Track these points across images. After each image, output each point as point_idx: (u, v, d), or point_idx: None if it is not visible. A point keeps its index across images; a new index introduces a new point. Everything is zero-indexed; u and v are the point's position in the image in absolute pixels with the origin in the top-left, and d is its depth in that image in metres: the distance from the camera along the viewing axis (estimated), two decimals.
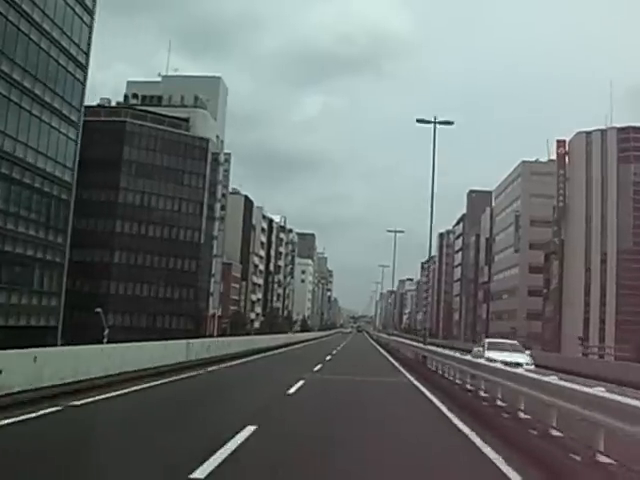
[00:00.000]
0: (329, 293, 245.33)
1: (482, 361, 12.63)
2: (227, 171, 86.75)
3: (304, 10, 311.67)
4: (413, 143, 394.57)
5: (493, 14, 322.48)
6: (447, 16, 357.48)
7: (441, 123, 27.38)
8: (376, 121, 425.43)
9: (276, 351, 35.42)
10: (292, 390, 14.23)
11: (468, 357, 14.97)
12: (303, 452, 7.71)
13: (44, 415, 9.10)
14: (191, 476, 5.90)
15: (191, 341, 19.94)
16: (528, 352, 21.01)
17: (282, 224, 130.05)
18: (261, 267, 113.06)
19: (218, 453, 6.87)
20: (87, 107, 66.33)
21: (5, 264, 38.19)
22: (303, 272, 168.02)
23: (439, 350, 20.74)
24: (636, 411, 5.77)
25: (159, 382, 14.24)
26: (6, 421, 8.40)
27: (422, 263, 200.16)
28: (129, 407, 10.97)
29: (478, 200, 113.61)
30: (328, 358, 30.18)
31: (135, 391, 12.47)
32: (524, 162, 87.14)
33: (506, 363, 12.30)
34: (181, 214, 74.49)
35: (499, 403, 10.96)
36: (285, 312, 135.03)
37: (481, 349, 20.53)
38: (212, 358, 21.59)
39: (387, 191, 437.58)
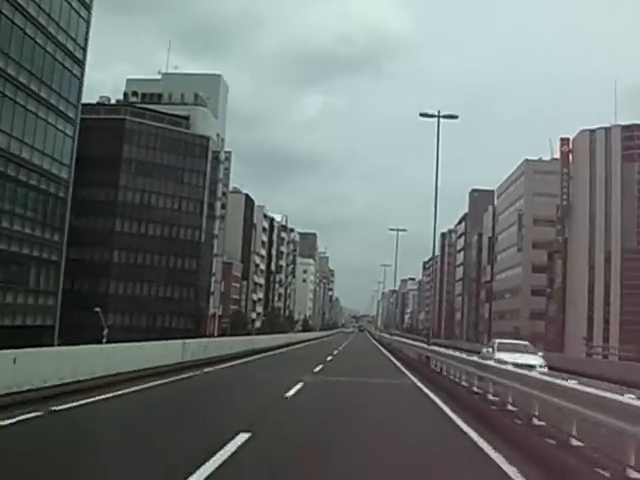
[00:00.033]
0: (331, 293, 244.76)
1: (492, 363, 11.85)
2: (227, 169, 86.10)
3: (304, 10, 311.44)
4: (413, 143, 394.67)
5: (493, 14, 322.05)
6: (447, 16, 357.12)
7: (445, 117, 26.69)
8: (376, 121, 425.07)
9: (276, 351, 34.81)
10: (290, 393, 13.57)
11: (475, 358, 14.22)
12: (300, 461, 7.10)
13: (21, 421, 8.47)
14: None
15: (187, 341, 19.26)
16: (540, 353, 20.06)
17: (283, 223, 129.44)
18: (262, 266, 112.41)
19: (203, 468, 6.21)
20: (86, 105, 65.90)
21: (0, 262, 37.56)
22: (305, 272, 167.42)
23: (443, 350, 19.92)
24: None
25: (145, 386, 13.38)
26: None
27: (424, 262, 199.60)
28: (108, 414, 10.24)
29: (480, 199, 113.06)
30: (329, 359, 29.59)
31: (118, 396, 11.69)
32: (527, 161, 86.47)
33: (518, 365, 11.55)
34: (181, 213, 73.82)
35: (510, 408, 10.29)
36: (286, 312, 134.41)
37: (490, 350, 19.55)
38: (209, 359, 20.95)
39: (387, 191, 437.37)
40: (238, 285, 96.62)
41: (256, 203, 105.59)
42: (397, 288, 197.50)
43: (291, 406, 12.06)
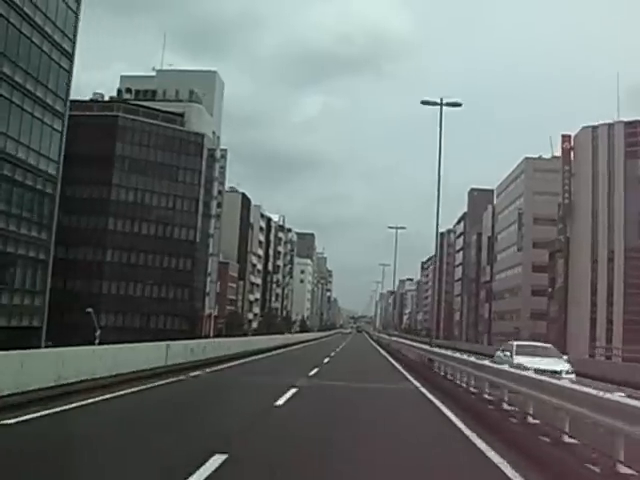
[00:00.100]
0: (329, 293, 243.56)
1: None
2: (223, 168, 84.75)
3: (304, 10, 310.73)
4: (413, 143, 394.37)
5: (493, 14, 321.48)
6: (447, 16, 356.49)
7: (448, 105, 25.35)
8: (376, 121, 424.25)
9: (271, 353, 33.61)
10: (281, 401, 12.19)
11: (486, 362, 12.78)
12: None
13: None
14: None
15: (171, 343, 17.88)
16: (565, 357, 17.83)
17: (281, 223, 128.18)
18: (259, 266, 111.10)
19: None
20: (79, 102, 64.83)
21: None
22: (302, 272, 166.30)
23: (449, 353, 18.29)
24: None
25: (116, 394, 11.88)
26: None
27: (422, 263, 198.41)
28: (68, 428, 8.89)
29: (479, 199, 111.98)
30: (326, 361, 28.40)
31: (83, 406, 10.31)
32: (527, 159, 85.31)
33: (541, 371, 10.11)
34: (176, 211, 72.49)
35: (530, 420, 8.92)
36: (284, 312, 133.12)
37: (508, 353, 17.37)
38: (196, 362, 19.62)
39: (387, 191, 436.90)
40: (235, 285, 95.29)
41: (254, 203, 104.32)
42: (395, 289, 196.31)
43: (280, 417, 10.66)
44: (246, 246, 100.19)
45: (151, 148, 70.89)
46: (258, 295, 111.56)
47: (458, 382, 15.17)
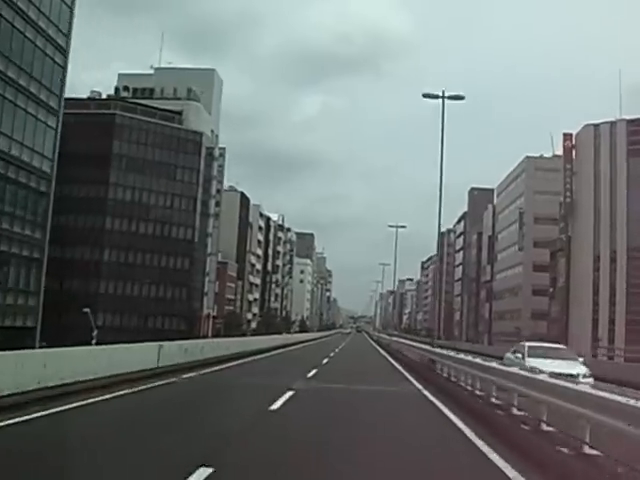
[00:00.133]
0: (328, 293, 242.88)
1: (522, 371, 9.65)
2: (222, 166, 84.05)
3: (303, 9, 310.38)
4: (412, 143, 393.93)
5: (492, 15, 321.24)
6: (446, 17, 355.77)
7: (450, 98, 24.66)
8: (375, 121, 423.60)
9: (270, 353, 32.99)
10: (276, 405, 11.51)
11: (494, 364, 12.06)
12: None
13: None
14: None
15: (164, 344, 17.20)
16: (581, 359, 16.90)
17: (280, 223, 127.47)
18: (258, 266, 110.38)
19: None
20: (76, 100, 64.21)
21: None
22: (302, 272, 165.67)
23: (453, 354, 17.50)
24: None
25: (93, 400, 10.98)
26: None
27: (422, 263, 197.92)
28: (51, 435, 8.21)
29: (480, 198, 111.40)
30: (325, 361, 27.79)
31: (59, 412, 9.65)
32: (528, 157, 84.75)
33: (555, 375, 9.38)
34: (173, 210, 71.80)
35: (545, 428, 8.24)
36: (283, 312, 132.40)
37: (519, 355, 16.28)
38: (191, 362, 18.98)
39: (386, 191, 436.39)
40: (233, 285, 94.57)
41: (253, 202, 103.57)
42: (395, 288, 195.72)
43: (275, 423, 9.97)
44: (245, 246, 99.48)
45: (149, 146, 70.22)
46: (257, 295, 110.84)
47: (462, 384, 14.48)
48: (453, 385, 15.18)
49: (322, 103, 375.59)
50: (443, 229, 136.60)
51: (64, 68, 41.89)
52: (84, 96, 72.19)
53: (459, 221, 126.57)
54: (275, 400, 11.93)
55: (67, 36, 41.90)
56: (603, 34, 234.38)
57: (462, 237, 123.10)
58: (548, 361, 14.83)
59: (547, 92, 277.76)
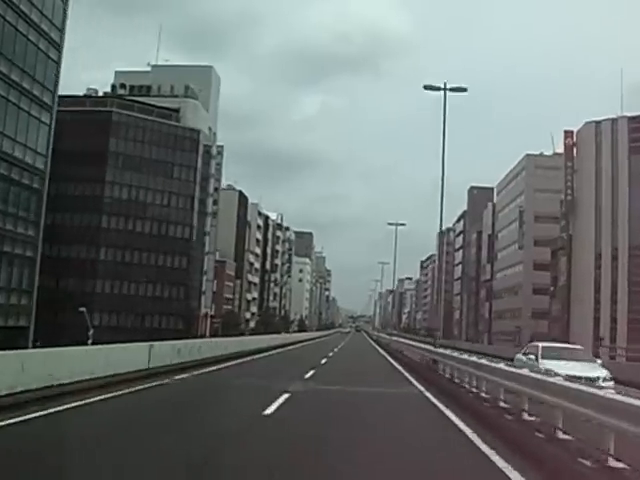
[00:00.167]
0: (327, 293, 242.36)
1: (538, 374, 8.91)
2: (220, 164, 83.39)
3: (302, 9, 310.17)
4: (412, 143, 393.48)
5: (491, 15, 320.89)
6: (445, 16, 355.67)
7: (452, 90, 24.05)
8: (375, 121, 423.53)
9: (268, 353, 32.45)
10: (271, 409, 10.86)
11: (501, 365, 11.39)
12: None
13: None
14: None
15: (155, 344, 16.54)
16: (599, 361, 15.67)
17: (279, 222, 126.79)
18: (257, 265, 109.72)
19: None
20: (72, 97, 63.52)
21: None
22: (301, 271, 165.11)
23: (456, 355, 16.74)
24: None
25: (77, 404, 10.39)
26: None
27: (421, 262, 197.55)
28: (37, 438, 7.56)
29: (479, 197, 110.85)
30: (323, 361, 27.22)
31: (57, 412, 9.04)
32: (528, 155, 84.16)
33: (572, 378, 8.66)
34: (171, 209, 71.07)
35: (561, 436, 7.58)
36: (282, 312, 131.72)
37: (532, 357, 15.16)
38: (184, 363, 18.35)
39: (386, 191, 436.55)
40: (231, 284, 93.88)
41: (252, 201, 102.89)
42: (394, 288, 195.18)
43: (268, 429, 9.30)
44: (243, 244, 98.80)
45: (146, 144, 69.50)
46: (255, 294, 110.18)
47: (467, 386, 13.81)
48: (456, 387, 14.52)
49: (321, 103, 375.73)
50: (443, 228, 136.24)
51: (58, 63, 41.21)
52: (80, 93, 71.49)
53: (459, 220, 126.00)
54: (270, 403, 11.32)
55: (61, 31, 41.20)
56: (603, 34, 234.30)
57: (462, 236, 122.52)
58: (563, 363, 13.92)
59: (547, 92, 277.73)
